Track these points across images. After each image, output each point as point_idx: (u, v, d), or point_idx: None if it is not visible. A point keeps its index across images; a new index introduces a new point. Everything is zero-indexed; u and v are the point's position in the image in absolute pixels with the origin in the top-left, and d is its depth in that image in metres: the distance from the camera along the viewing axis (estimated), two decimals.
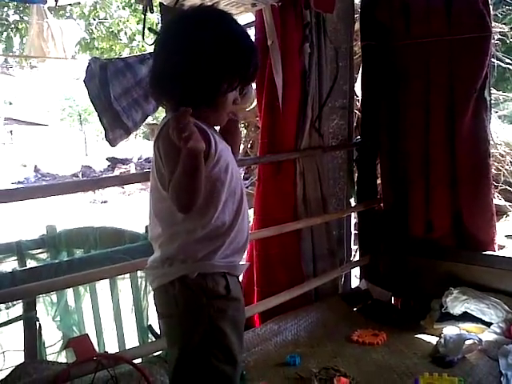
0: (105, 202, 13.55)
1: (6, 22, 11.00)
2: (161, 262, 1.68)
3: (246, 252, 1.77)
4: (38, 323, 2.40)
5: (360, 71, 4.15)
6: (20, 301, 2.43)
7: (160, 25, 2.99)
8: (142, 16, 3.04)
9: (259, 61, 1.71)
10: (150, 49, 2.83)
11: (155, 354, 2.64)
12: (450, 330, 2.95)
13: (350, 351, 2.89)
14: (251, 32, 3.33)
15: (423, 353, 2.84)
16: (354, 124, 4.05)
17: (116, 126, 2.62)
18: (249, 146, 7.89)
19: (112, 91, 2.58)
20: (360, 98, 4.15)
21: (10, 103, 22.34)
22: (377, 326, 3.16)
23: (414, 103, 3.61)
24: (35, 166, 18.20)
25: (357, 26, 4.01)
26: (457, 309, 3.09)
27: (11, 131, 24.09)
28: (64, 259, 2.82)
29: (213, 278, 1.65)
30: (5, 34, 10.92)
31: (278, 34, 3.19)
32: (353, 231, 4.09)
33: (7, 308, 2.45)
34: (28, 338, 2.38)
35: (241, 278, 3.53)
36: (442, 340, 2.82)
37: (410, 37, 3.55)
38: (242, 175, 8.42)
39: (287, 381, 2.62)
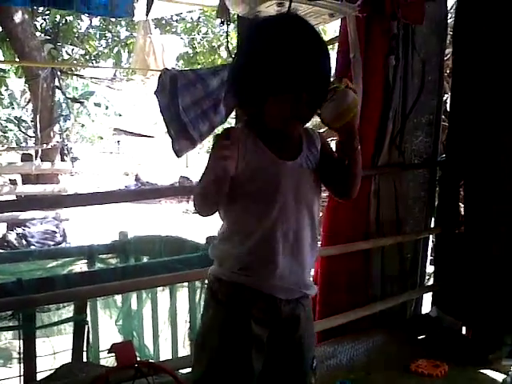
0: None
1: (117, 39, 11.59)
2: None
3: (275, 270, 1.61)
4: (87, 326, 2.42)
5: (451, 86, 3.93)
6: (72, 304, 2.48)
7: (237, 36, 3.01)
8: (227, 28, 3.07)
9: (305, 71, 1.54)
10: None
11: None
12: None
13: (405, 382, 2.72)
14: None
15: None
16: (441, 141, 3.83)
17: (182, 137, 2.63)
18: None
19: (181, 102, 2.61)
20: (449, 113, 3.92)
21: (120, 115, 23.38)
22: (441, 357, 2.96)
23: (507, 123, 3.38)
24: (136, 175, 18.96)
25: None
26: None
27: (119, 141, 25.30)
28: (119, 266, 2.88)
29: (221, 283, 1.63)
30: (115, 49, 11.50)
31: (362, 46, 3.10)
32: (429, 254, 3.88)
33: (58, 309, 2.52)
34: (76, 339, 2.42)
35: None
36: (509, 379, 2.61)
37: (510, 50, 3.33)
38: None
39: None
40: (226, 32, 3.17)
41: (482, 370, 2.84)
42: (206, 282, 2.06)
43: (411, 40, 3.32)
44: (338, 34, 3.42)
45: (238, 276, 1.61)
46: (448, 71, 4.16)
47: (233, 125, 1.88)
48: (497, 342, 3.05)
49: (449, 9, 3.81)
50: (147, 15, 5.00)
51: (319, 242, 3.19)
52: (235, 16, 2.84)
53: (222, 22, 2.92)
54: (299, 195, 1.63)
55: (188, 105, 2.62)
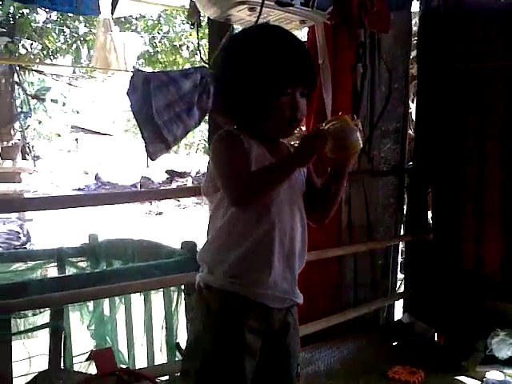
0: (160, 213, 13.70)
1: (76, 35, 11.33)
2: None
3: (269, 275, 1.58)
4: (63, 332, 2.36)
5: (416, 94, 4.01)
6: (48, 309, 2.41)
7: (208, 39, 2.98)
8: (195, 31, 3.03)
9: (297, 62, 1.60)
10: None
11: None
12: (493, 375, 2.78)
13: None
14: None
15: None
16: (407, 149, 3.90)
17: (156, 140, 2.59)
18: None
19: (154, 105, 2.56)
20: (415, 121, 4.01)
21: (78, 112, 22.92)
22: (416, 364, 3.00)
23: (471, 130, 3.47)
24: (96, 174, 18.64)
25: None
26: (503, 352, 2.92)
27: (77, 139, 24.85)
28: (95, 271, 2.80)
29: (211, 291, 1.60)
30: (74, 45, 11.24)
31: (330, 53, 3.12)
32: (399, 261, 3.92)
33: (34, 315, 2.44)
34: (53, 345, 2.36)
35: None
36: None
37: (470, 60, 3.42)
38: None
39: None
40: (197, 34, 3.12)
41: (457, 377, 2.90)
42: (182, 287, 2.22)
43: (377, 48, 3.36)
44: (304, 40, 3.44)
45: (230, 284, 1.58)
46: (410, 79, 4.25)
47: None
48: (469, 348, 3.11)
49: (413, 17, 3.88)
50: (113, 14, 4.90)
51: None
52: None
53: (193, 25, 2.90)
54: (292, 199, 1.64)
55: (161, 107, 2.58)
